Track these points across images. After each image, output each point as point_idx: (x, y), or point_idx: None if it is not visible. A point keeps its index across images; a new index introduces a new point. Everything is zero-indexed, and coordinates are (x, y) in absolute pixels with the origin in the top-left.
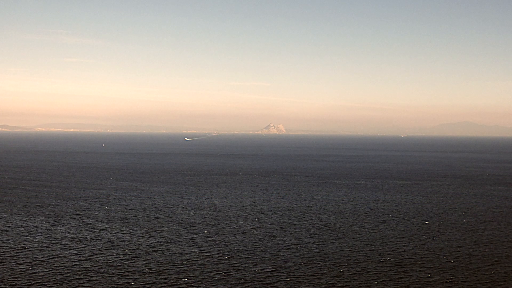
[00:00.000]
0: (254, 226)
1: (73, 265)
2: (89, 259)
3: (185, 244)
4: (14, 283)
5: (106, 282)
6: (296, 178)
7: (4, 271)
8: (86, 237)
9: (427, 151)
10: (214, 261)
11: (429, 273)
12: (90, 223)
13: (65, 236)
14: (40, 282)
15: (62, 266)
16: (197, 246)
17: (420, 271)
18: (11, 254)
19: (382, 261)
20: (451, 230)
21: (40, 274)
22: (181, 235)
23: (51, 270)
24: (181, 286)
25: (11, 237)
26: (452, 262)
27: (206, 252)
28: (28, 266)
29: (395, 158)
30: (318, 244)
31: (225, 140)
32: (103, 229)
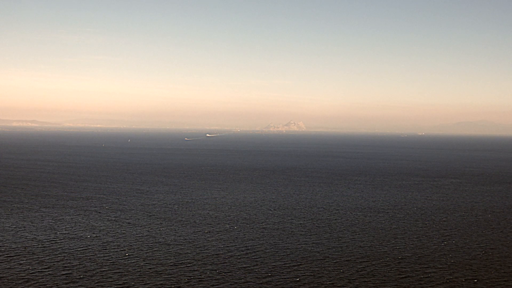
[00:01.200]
0: (274, 221)
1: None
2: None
3: (209, 238)
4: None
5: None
6: (315, 174)
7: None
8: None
9: (445, 149)
10: (236, 254)
11: (449, 270)
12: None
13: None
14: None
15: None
16: (219, 240)
17: (439, 268)
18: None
19: (401, 258)
20: (470, 227)
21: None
22: (205, 229)
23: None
24: (203, 280)
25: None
26: (472, 260)
27: (228, 247)
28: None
29: (413, 155)
30: (338, 240)
31: (246, 137)
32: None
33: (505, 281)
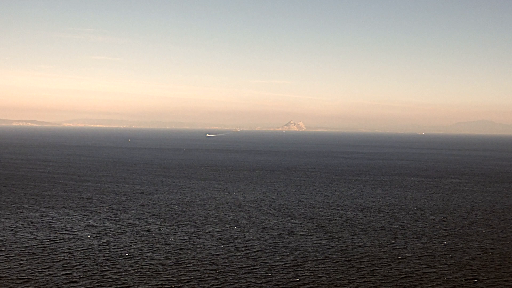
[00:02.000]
0: (274, 221)
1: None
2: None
3: (210, 237)
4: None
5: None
6: (315, 174)
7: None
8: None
9: (445, 149)
10: (236, 254)
11: (449, 270)
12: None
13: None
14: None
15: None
16: (219, 240)
17: (439, 268)
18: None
19: (401, 258)
20: (470, 227)
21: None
22: (205, 229)
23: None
24: (203, 280)
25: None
26: (472, 260)
27: (228, 247)
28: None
29: (413, 155)
30: (338, 240)
31: (246, 136)
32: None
33: (505, 281)
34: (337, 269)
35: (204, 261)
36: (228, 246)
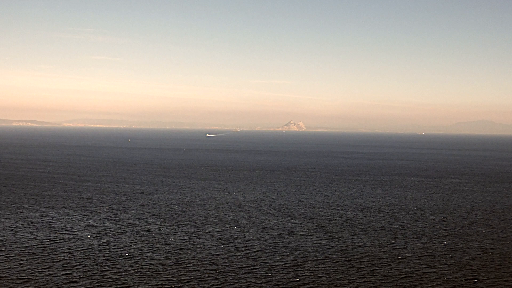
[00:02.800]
0: (274, 221)
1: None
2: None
3: (210, 237)
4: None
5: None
6: (315, 174)
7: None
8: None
9: (445, 149)
10: (236, 254)
11: (449, 270)
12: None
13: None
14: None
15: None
16: (219, 240)
17: (439, 268)
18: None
19: (401, 258)
20: (470, 227)
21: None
22: (205, 229)
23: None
24: (203, 280)
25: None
26: (472, 260)
27: (228, 247)
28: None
29: (413, 155)
30: (338, 240)
31: (246, 136)
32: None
33: (505, 281)
34: (337, 269)
35: (204, 261)
36: (228, 246)
